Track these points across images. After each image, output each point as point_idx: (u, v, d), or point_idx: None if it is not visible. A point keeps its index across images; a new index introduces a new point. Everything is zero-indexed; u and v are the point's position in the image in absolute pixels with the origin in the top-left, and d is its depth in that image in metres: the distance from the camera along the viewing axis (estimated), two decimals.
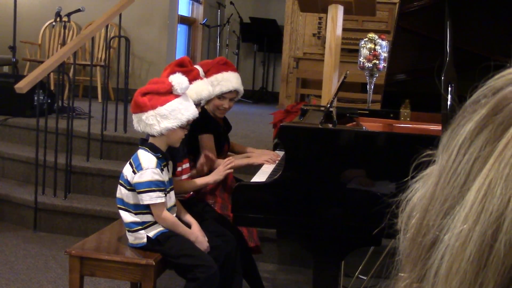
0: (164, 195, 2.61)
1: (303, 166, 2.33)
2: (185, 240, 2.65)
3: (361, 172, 2.32)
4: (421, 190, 0.56)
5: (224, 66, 3.22)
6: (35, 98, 5.34)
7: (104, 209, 4.35)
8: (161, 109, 2.54)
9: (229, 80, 3.22)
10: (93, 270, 2.59)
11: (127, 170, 2.63)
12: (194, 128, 2.89)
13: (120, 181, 2.68)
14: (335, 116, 2.73)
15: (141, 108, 2.56)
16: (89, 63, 7.14)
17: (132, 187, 2.62)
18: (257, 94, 9.48)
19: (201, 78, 2.99)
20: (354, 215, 2.32)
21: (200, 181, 2.87)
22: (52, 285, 3.46)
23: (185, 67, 2.90)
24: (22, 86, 4.15)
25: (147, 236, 2.63)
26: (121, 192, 2.67)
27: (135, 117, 2.62)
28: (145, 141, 2.70)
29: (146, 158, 2.59)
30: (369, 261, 3.58)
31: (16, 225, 4.54)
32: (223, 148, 3.28)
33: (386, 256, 3.52)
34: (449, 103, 2.36)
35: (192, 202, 2.99)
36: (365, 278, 3.76)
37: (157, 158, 2.61)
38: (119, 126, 5.07)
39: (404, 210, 0.58)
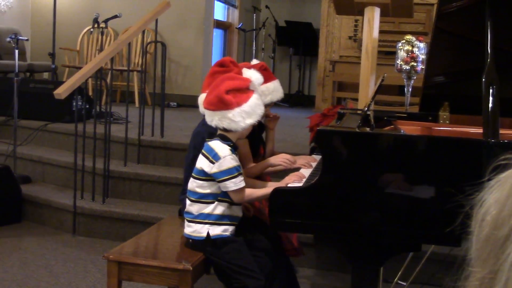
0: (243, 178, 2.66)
1: (341, 170, 2.30)
2: (242, 249, 2.67)
3: (399, 177, 2.28)
4: (498, 191, 0.55)
5: (267, 73, 3.19)
6: (74, 103, 5.43)
7: (141, 213, 4.37)
8: (245, 106, 2.59)
9: (279, 91, 3.22)
10: (130, 275, 2.60)
11: (202, 162, 2.66)
12: None
13: (192, 174, 2.71)
14: (372, 120, 2.70)
15: (228, 106, 2.59)
16: (126, 68, 7.25)
17: (209, 177, 2.64)
18: (293, 98, 9.45)
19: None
20: (393, 220, 2.28)
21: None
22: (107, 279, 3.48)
23: (224, 67, 2.91)
24: (61, 92, 4.20)
25: (208, 233, 2.65)
26: (194, 184, 2.70)
27: (216, 114, 2.62)
28: (213, 135, 2.73)
29: (220, 147, 2.64)
30: (408, 267, 3.53)
31: (55, 229, 4.60)
32: (259, 151, 3.26)
33: (427, 262, 3.46)
34: (490, 105, 2.31)
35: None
36: (404, 283, 3.70)
37: (229, 146, 2.65)
38: (156, 130, 5.10)
39: (479, 210, 0.58)
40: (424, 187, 2.28)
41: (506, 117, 3.06)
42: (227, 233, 2.69)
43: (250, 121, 2.61)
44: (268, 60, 9.90)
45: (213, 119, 2.64)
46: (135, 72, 7.33)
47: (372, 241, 2.32)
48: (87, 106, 5.49)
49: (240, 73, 2.94)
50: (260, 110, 2.64)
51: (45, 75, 8.37)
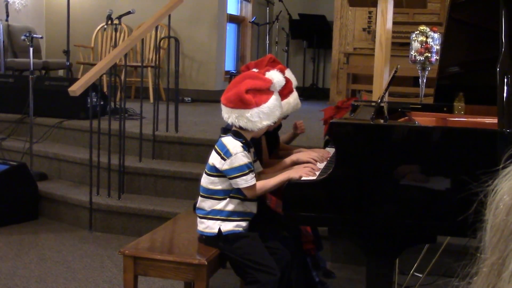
0: (254, 175, 2.65)
1: (355, 163, 2.29)
2: (255, 244, 2.66)
3: (414, 168, 2.26)
4: None
5: (276, 64, 3.18)
6: (88, 100, 5.45)
7: (157, 208, 4.39)
8: (264, 107, 2.59)
9: (292, 78, 3.20)
10: (146, 270, 2.61)
11: (214, 158, 2.66)
12: None
13: (205, 170, 2.72)
14: (386, 111, 2.68)
15: (247, 105, 2.59)
16: (140, 64, 7.27)
17: (220, 174, 2.64)
18: (307, 91, 9.43)
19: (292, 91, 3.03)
20: (408, 212, 2.27)
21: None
22: (108, 284, 3.50)
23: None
24: (75, 89, 4.22)
25: (219, 229, 2.65)
26: (206, 180, 2.70)
27: (234, 112, 2.61)
28: (227, 130, 2.72)
29: (231, 143, 2.63)
30: (424, 258, 3.51)
31: (72, 225, 4.63)
32: (275, 147, 3.25)
33: (443, 253, 3.44)
34: (505, 95, 2.28)
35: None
36: (420, 275, 3.68)
37: (241, 143, 2.64)
38: (170, 126, 5.11)
39: (493, 198, 0.58)
40: (439, 179, 2.26)
41: None
42: (240, 229, 2.68)
43: (267, 122, 2.61)
44: (282, 54, 9.87)
45: (230, 116, 2.63)
46: (149, 68, 7.35)
47: (387, 233, 2.31)
48: (102, 103, 5.52)
49: (288, 81, 2.95)
50: (279, 112, 2.64)
51: (60, 73, 8.42)
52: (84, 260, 3.90)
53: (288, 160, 2.96)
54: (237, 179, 2.60)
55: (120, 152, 4.62)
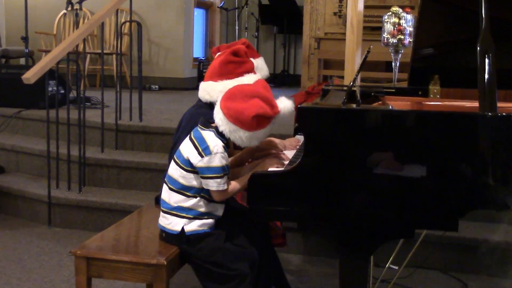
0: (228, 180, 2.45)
1: (325, 151, 2.10)
2: (218, 245, 2.47)
3: (389, 156, 2.08)
4: None
5: (250, 51, 2.96)
6: (49, 89, 5.18)
7: (120, 202, 4.16)
8: (259, 133, 2.39)
9: (263, 69, 2.99)
10: (100, 272, 2.39)
11: (189, 151, 2.42)
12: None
13: (176, 159, 2.48)
14: (358, 95, 2.49)
15: (246, 127, 2.36)
16: (106, 51, 6.99)
17: (194, 169, 2.42)
18: (278, 77, 9.23)
19: (254, 72, 2.76)
20: (383, 204, 2.09)
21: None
22: (66, 284, 3.28)
23: (239, 57, 2.69)
24: (29, 76, 3.97)
25: (182, 228, 2.45)
26: (177, 172, 2.46)
27: (228, 124, 2.37)
28: (207, 123, 2.47)
29: (213, 141, 2.40)
30: (400, 250, 3.34)
31: (30, 221, 4.39)
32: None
33: (420, 244, 3.28)
34: (486, 75, 2.10)
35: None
36: (396, 267, 3.52)
37: (223, 143, 2.42)
38: (134, 115, 4.87)
39: None
40: (417, 167, 2.08)
41: (502, 89, 2.88)
42: (205, 228, 2.47)
43: (252, 143, 2.42)
44: (252, 40, 9.64)
45: (223, 125, 2.38)
46: (114, 55, 7.07)
47: (361, 227, 2.12)
48: (63, 91, 5.25)
49: (251, 67, 2.72)
50: (265, 137, 2.47)
51: (22, 61, 8.09)
52: (40, 258, 3.66)
53: (248, 149, 2.73)
54: (210, 180, 2.39)
55: (79, 142, 4.37)
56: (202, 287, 2.56)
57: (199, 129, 2.45)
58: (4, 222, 4.38)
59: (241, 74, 2.66)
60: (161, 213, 2.52)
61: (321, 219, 2.14)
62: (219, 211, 2.53)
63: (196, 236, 2.45)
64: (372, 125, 2.10)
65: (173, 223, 2.47)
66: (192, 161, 2.40)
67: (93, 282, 2.49)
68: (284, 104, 2.43)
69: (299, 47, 9.37)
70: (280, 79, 9.18)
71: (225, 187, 2.40)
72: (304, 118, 2.13)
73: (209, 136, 2.41)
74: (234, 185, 2.47)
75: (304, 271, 3.62)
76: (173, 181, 2.48)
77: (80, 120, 4.40)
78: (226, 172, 2.41)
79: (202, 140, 2.40)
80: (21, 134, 5.32)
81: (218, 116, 2.40)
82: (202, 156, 2.38)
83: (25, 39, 6.13)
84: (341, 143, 2.09)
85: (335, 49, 7.28)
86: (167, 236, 2.50)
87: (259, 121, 2.36)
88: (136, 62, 4.99)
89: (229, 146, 2.50)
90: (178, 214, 2.46)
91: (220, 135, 2.41)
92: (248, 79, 2.64)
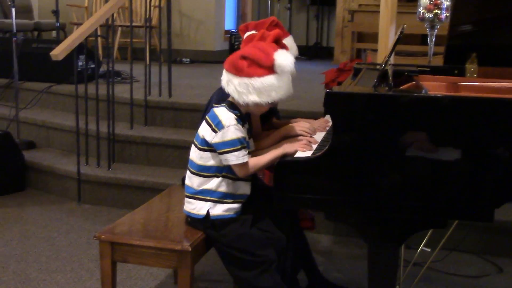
0: (248, 152, 2.39)
1: (354, 137, 2.01)
2: (244, 231, 2.42)
3: (422, 144, 1.98)
4: None
5: (279, 29, 2.86)
6: (79, 63, 5.16)
7: (149, 179, 4.14)
8: (256, 81, 2.30)
9: (292, 48, 2.87)
10: (125, 256, 2.36)
11: (204, 130, 2.39)
12: None
13: (195, 141, 2.46)
14: (390, 78, 2.39)
15: (237, 71, 2.33)
16: (136, 24, 6.94)
17: (210, 148, 2.38)
18: (311, 50, 9.09)
19: None
20: (416, 192, 2.00)
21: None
22: (93, 263, 3.27)
23: (279, 45, 2.61)
24: (58, 53, 3.93)
25: (208, 212, 2.41)
26: (195, 153, 2.44)
27: (226, 75, 2.38)
28: (220, 100, 2.46)
29: (225, 115, 2.36)
30: (434, 232, 3.24)
31: (60, 197, 4.40)
32: (268, 119, 2.95)
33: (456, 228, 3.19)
34: None
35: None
36: (429, 250, 3.44)
37: (236, 115, 2.38)
38: (164, 90, 4.82)
39: None
40: (451, 154, 1.98)
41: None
42: (231, 213, 2.42)
43: (256, 98, 2.31)
44: (284, 11, 9.50)
45: (224, 79, 2.39)
46: (145, 28, 7.02)
47: (392, 216, 2.04)
48: (93, 66, 5.23)
49: (285, 48, 2.65)
50: (276, 94, 2.32)
51: (54, 34, 8.10)
52: (69, 236, 3.67)
53: (276, 134, 2.67)
54: (227, 155, 2.33)
55: (108, 118, 4.35)
56: (227, 273, 2.52)
57: (213, 108, 2.42)
58: (35, 198, 4.40)
59: None
60: (186, 198, 2.48)
61: (351, 207, 2.07)
62: (245, 189, 2.47)
63: (221, 221, 2.41)
64: (404, 111, 2.01)
65: (197, 208, 2.42)
66: (207, 138, 2.36)
67: (118, 266, 2.47)
68: (281, 57, 2.33)
69: (332, 19, 9.20)
70: (313, 52, 9.04)
71: (245, 159, 2.35)
72: (332, 104, 2.04)
73: (220, 111, 2.37)
74: (258, 159, 2.42)
75: (333, 252, 3.56)
76: (193, 164, 2.44)
77: (108, 96, 4.36)
78: (244, 143, 2.35)
79: (214, 116, 2.37)
80: (52, 109, 5.33)
81: (223, 79, 2.40)
82: (215, 132, 2.34)
83: (56, 12, 6.12)
84: (371, 130, 2.00)
85: (369, 22, 7.12)
86: (192, 221, 2.46)
87: (251, 65, 2.30)
88: (161, 35, 4.93)
89: (244, 119, 2.43)
90: (203, 198, 2.41)
91: (231, 106, 2.38)
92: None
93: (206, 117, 2.41)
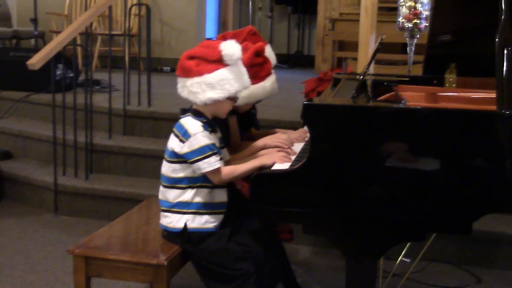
0: (220, 159, 2.37)
1: (332, 150, 1.99)
2: (221, 245, 2.38)
3: (399, 156, 1.96)
4: None
5: (256, 38, 2.85)
6: (57, 72, 5.09)
7: (127, 190, 4.09)
8: (207, 77, 2.29)
9: (271, 57, 2.87)
10: (100, 271, 2.32)
11: (172, 142, 2.38)
12: None
13: (165, 156, 2.44)
14: (369, 89, 2.38)
15: (187, 73, 2.32)
16: (115, 33, 6.89)
17: (181, 159, 2.35)
18: (292, 59, 9.07)
19: (271, 73, 2.68)
20: (393, 206, 1.98)
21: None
22: (69, 277, 3.19)
23: (261, 58, 2.60)
24: (35, 62, 3.88)
25: (185, 225, 2.37)
26: (167, 167, 2.42)
27: (179, 81, 2.38)
28: (186, 110, 2.45)
29: (190, 123, 2.35)
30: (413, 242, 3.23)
31: (37, 208, 4.32)
32: (247, 130, 2.93)
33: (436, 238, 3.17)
34: (505, 70, 1.98)
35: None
36: (408, 260, 3.43)
37: (202, 122, 2.36)
38: (143, 99, 4.77)
39: None
40: (429, 167, 1.96)
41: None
42: (209, 226, 2.39)
43: (212, 95, 2.29)
44: (265, 20, 9.50)
45: (178, 87, 2.38)
46: (125, 37, 6.96)
47: (370, 230, 2.02)
48: (71, 75, 5.16)
49: (271, 67, 2.63)
50: (230, 86, 2.31)
51: (33, 42, 8.01)
52: (45, 249, 3.60)
53: (254, 146, 2.64)
54: (199, 163, 2.31)
55: (86, 128, 4.29)
56: (204, 287, 2.48)
57: (179, 119, 2.40)
58: (10, 209, 4.33)
59: (263, 78, 2.59)
60: (161, 212, 2.44)
61: (329, 220, 2.04)
62: (222, 196, 2.44)
63: (198, 235, 2.37)
64: (382, 123, 1.98)
65: (174, 221, 2.39)
66: (176, 150, 2.35)
67: (94, 279, 2.42)
68: (227, 46, 2.31)
69: (313, 28, 9.20)
70: (294, 60, 9.03)
71: (218, 165, 2.33)
72: (310, 116, 2.01)
73: (185, 121, 2.36)
74: (234, 168, 2.40)
75: (313, 263, 3.53)
76: (165, 178, 2.42)
77: (86, 105, 4.31)
78: (214, 149, 2.33)
79: (180, 127, 2.36)
80: (30, 119, 5.25)
81: (178, 86, 2.39)
82: (183, 142, 2.32)
83: (34, 20, 6.05)
84: (348, 142, 1.98)
85: (350, 31, 7.11)
86: (168, 235, 2.42)
87: (199, 63, 2.29)
88: (140, 43, 4.88)
89: (213, 125, 2.41)
90: (179, 211, 2.38)
91: (196, 114, 2.37)
92: (270, 81, 2.59)
93: (173, 129, 2.40)
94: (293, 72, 8.05)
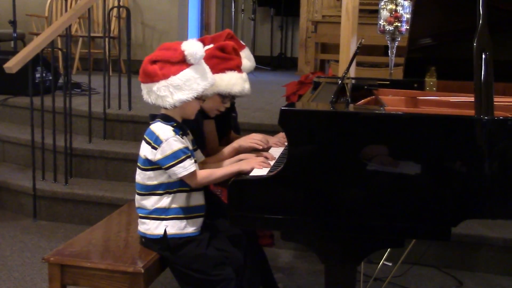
0: (194, 161, 2.34)
1: (309, 156, 1.97)
2: (200, 251, 2.36)
3: (379, 162, 1.95)
4: None
5: (235, 42, 2.82)
6: (37, 75, 5.04)
7: (107, 194, 4.04)
8: (174, 79, 2.25)
9: (250, 59, 2.85)
10: (75, 279, 2.28)
11: (144, 150, 2.34)
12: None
13: (138, 165, 2.40)
14: (348, 93, 2.36)
15: (152, 78, 2.27)
16: (98, 35, 6.84)
17: (155, 166, 2.32)
18: (275, 61, 9.05)
19: (240, 71, 2.63)
20: (372, 212, 1.96)
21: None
22: (47, 284, 3.14)
23: (226, 54, 2.56)
24: (11, 65, 3.83)
25: (165, 231, 2.34)
26: (142, 176, 2.38)
27: (144, 87, 2.33)
28: (155, 116, 2.40)
29: (161, 129, 2.31)
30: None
31: (15, 213, 4.27)
32: (226, 134, 2.90)
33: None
34: (482, 76, 1.97)
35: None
36: (390, 264, 3.42)
37: (172, 126, 2.32)
38: (123, 102, 4.72)
39: None
40: (408, 173, 1.95)
41: (501, 82, 2.75)
42: (189, 231, 2.36)
43: (181, 96, 2.26)
44: (248, 22, 9.47)
45: (144, 93, 2.34)
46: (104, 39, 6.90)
47: (347, 237, 2.00)
48: (50, 78, 5.10)
49: (237, 64, 2.60)
50: (197, 85, 2.28)
51: (12, 44, 7.92)
52: (23, 255, 3.55)
53: (229, 148, 2.62)
54: (174, 168, 2.28)
55: (65, 132, 4.24)
56: None
57: (149, 126, 2.36)
58: None
59: (222, 70, 2.53)
60: (139, 219, 2.40)
61: (305, 228, 2.02)
62: (199, 199, 2.42)
63: (177, 241, 2.34)
64: (359, 129, 1.97)
65: (152, 228, 2.35)
66: (149, 157, 2.32)
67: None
68: (188, 45, 2.29)
69: (296, 30, 9.19)
70: (277, 63, 9.01)
71: (194, 168, 2.30)
72: (287, 121, 1.99)
73: (156, 127, 2.33)
74: (212, 172, 2.38)
75: (294, 267, 3.50)
76: (141, 186, 2.39)
77: (65, 108, 4.26)
78: (187, 153, 2.30)
79: (151, 133, 2.32)
80: (8, 122, 5.18)
81: (143, 92, 2.35)
82: (156, 149, 2.29)
83: (13, 23, 5.98)
84: (326, 148, 1.96)
85: (332, 33, 7.10)
86: (147, 241, 2.39)
87: (163, 66, 2.26)
88: (121, 46, 4.83)
89: (183, 128, 2.38)
90: (157, 217, 2.35)
91: (165, 119, 2.33)
92: (230, 76, 2.52)
93: (144, 136, 2.36)
94: (276, 75, 8.03)
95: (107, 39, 4.84)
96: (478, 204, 1.93)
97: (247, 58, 2.84)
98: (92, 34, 7.02)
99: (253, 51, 9.04)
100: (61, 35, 4.28)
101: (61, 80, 5.06)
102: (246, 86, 2.62)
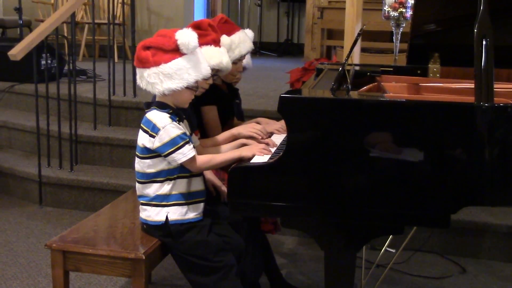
0: (193, 146, 2.34)
1: (308, 143, 1.97)
2: (201, 237, 2.36)
3: (378, 149, 1.95)
4: None
5: (229, 25, 2.83)
6: (42, 62, 5.05)
7: (112, 181, 4.06)
8: (165, 67, 2.25)
9: (246, 41, 2.85)
10: (77, 265, 2.30)
11: (142, 138, 2.34)
12: (196, 98, 2.52)
13: (137, 153, 2.40)
14: (349, 80, 2.36)
15: (143, 64, 2.27)
16: (104, 21, 6.84)
17: (154, 154, 2.32)
18: (282, 47, 9.04)
19: (218, 45, 2.62)
20: (372, 199, 1.96)
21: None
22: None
23: (201, 30, 2.55)
24: (16, 52, 3.84)
25: (167, 217, 2.34)
26: (141, 164, 2.38)
27: (138, 72, 2.34)
28: (150, 104, 2.40)
29: (157, 116, 2.30)
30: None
31: (21, 200, 4.30)
32: (229, 121, 2.90)
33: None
34: (483, 63, 1.96)
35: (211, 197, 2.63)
36: (393, 250, 3.43)
37: (168, 113, 2.31)
38: (128, 89, 4.73)
39: None
40: (407, 160, 1.95)
41: (504, 68, 2.74)
42: (190, 216, 2.37)
43: (170, 85, 2.26)
44: (254, 8, 9.44)
45: (137, 77, 2.34)
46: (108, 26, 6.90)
47: (348, 224, 2.01)
48: (55, 65, 5.11)
49: (213, 39, 2.59)
50: (188, 75, 2.27)
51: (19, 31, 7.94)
52: (29, 241, 3.58)
53: (227, 133, 2.62)
54: (173, 155, 2.28)
55: (70, 119, 4.26)
56: (185, 279, 2.47)
57: (145, 114, 2.36)
58: None
59: (199, 45, 2.51)
60: (141, 206, 2.41)
61: (305, 215, 2.02)
62: (199, 184, 2.42)
63: (179, 228, 2.35)
64: (359, 116, 1.96)
65: (153, 214, 2.36)
66: (147, 146, 2.32)
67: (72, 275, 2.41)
68: (182, 34, 2.27)
69: (302, 16, 9.16)
70: (284, 48, 8.99)
71: (193, 153, 2.31)
72: (287, 109, 1.99)
73: (152, 115, 2.32)
74: (212, 157, 2.39)
75: (297, 254, 3.52)
76: (141, 175, 2.39)
77: (70, 95, 4.27)
78: (185, 139, 2.30)
79: (148, 122, 2.32)
80: (15, 109, 5.21)
81: (137, 77, 2.35)
82: (153, 137, 2.29)
83: (18, 9, 5.98)
84: (326, 135, 1.96)
85: (338, 19, 7.05)
86: (148, 228, 2.40)
87: (156, 53, 2.25)
88: (125, 32, 4.83)
89: (179, 114, 2.36)
90: (158, 204, 2.36)
91: (160, 106, 2.33)
92: (206, 50, 2.50)
93: (141, 124, 2.36)
94: (283, 61, 8.02)
95: (112, 26, 4.83)
96: (477, 191, 1.93)
97: (243, 40, 2.82)
98: (97, 21, 7.05)
99: (259, 37, 9.02)
100: (67, 22, 4.28)
101: (66, 67, 5.07)
102: (225, 59, 2.60)
